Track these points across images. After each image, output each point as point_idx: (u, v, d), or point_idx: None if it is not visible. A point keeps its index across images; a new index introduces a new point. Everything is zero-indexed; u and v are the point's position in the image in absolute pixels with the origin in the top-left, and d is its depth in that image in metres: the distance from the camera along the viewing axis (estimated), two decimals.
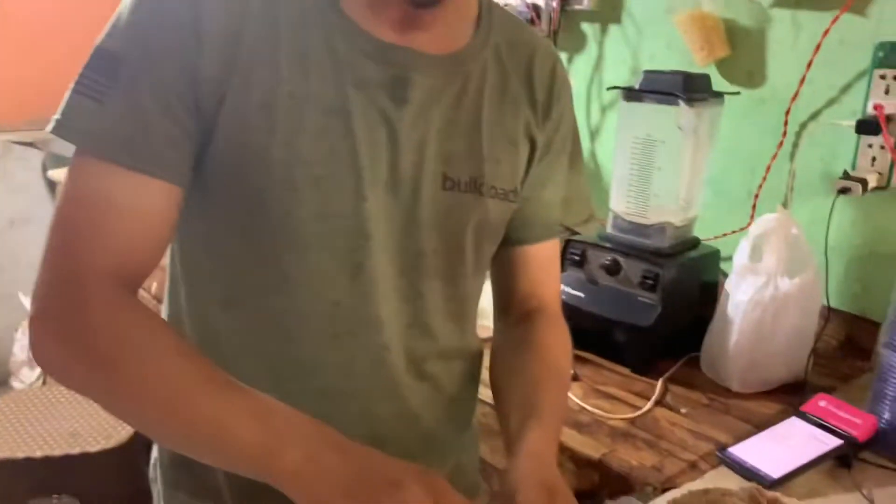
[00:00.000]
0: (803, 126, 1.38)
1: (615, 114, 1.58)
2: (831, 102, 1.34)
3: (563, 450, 1.02)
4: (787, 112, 1.37)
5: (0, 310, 2.64)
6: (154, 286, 1.66)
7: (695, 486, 0.89)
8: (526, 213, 0.82)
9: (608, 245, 1.33)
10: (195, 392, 0.59)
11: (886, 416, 1.02)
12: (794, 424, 1.04)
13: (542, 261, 0.85)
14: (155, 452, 0.81)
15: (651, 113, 1.30)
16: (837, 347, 1.36)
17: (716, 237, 1.46)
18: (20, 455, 1.58)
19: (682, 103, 1.24)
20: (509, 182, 0.76)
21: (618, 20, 1.64)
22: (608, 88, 1.64)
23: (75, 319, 0.59)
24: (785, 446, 0.99)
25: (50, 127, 0.61)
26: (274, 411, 0.59)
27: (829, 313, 1.30)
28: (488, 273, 0.86)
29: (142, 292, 0.90)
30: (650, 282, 1.24)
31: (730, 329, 1.21)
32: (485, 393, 1.16)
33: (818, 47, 1.31)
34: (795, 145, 1.39)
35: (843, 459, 0.98)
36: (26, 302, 2.30)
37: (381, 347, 0.72)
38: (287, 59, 0.64)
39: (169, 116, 0.61)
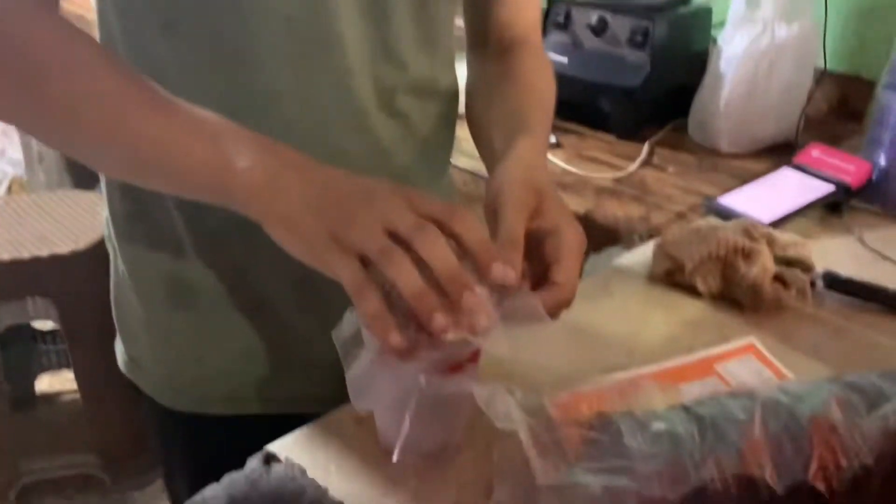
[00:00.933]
0: None
1: None
2: None
3: None
4: None
5: None
6: None
7: None
8: None
9: (595, 1, 1.23)
10: (135, 110, 0.53)
11: (882, 162, 0.98)
12: (785, 174, 1.00)
13: None
14: (107, 209, 0.75)
15: None
16: (829, 112, 1.31)
17: None
18: None
19: None
20: None
21: None
22: None
23: None
24: (775, 194, 0.95)
25: None
26: (223, 128, 0.53)
27: (822, 76, 1.23)
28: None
29: None
30: (640, 38, 1.16)
31: (721, 85, 1.14)
32: (463, 161, 1.10)
33: None
34: None
35: (835, 207, 0.95)
36: None
37: (344, 72, 0.64)
38: None
39: None
